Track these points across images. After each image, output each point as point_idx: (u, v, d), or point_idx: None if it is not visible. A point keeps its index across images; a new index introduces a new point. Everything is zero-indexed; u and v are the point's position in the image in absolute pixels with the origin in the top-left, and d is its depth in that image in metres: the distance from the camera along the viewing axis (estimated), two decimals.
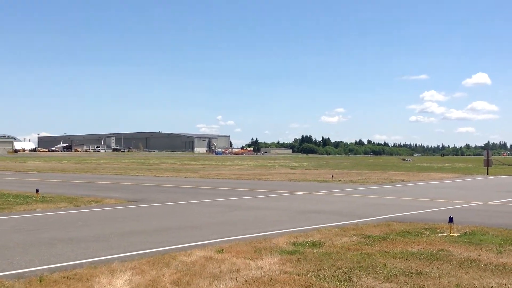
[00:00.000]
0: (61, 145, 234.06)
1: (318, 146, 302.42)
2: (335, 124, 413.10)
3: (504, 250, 9.89)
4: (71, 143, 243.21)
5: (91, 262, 8.70)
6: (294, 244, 10.44)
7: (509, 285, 7.25)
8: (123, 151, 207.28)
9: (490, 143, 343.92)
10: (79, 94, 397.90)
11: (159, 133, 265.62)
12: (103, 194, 22.58)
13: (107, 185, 30.26)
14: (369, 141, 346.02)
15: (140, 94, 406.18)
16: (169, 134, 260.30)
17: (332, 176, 39.19)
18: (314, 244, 10.40)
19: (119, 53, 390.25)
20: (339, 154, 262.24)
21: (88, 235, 11.65)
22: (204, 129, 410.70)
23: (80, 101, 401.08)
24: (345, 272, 7.97)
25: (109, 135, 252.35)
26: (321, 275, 7.77)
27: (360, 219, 14.84)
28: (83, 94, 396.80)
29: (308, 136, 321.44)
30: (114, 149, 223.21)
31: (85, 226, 13.34)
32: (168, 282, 7.34)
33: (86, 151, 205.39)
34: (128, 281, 7.34)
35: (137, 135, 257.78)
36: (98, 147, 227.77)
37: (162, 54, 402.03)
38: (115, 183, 32.00)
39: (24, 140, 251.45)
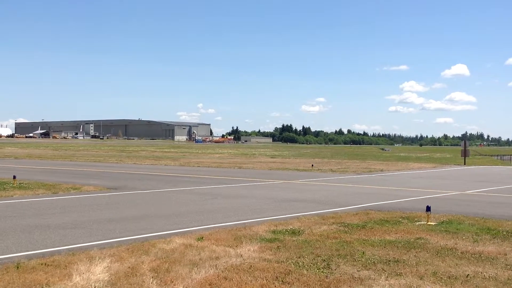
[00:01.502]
0: (39, 131, 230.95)
1: (299, 135, 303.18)
2: (316, 113, 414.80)
3: (480, 239, 10.06)
4: (49, 130, 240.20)
5: (69, 249, 8.64)
6: (273, 232, 10.49)
7: (484, 273, 7.37)
8: (102, 138, 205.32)
9: (468, 134, 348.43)
10: (58, 80, 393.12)
11: (139, 120, 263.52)
12: (82, 181, 22.38)
13: (85, 172, 29.99)
14: (349, 131, 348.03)
15: (119, 81, 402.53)
16: (149, 122, 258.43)
17: (312, 165, 39.38)
18: (293, 232, 10.46)
19: (99, 39, 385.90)
20: (319, 143, 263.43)
21: (66, 222, 11.54)
22: (184, 117, 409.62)
23: (59, 87, 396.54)
24: (324, 260, 8.03)
25: (87, 122, 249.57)
26: (300, 263, 7.82)
27: (339, 207, 14.95)
28: (61, 80, 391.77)
29: (289, 125, 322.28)
30: (93, 136, 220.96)
31: (63, 213, 13.22)
32: (147, 269, 7.32)
33: (64, 137, 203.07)
34: (107, 268, 7.30)
35: (117, 122, 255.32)
36: (76, 134, 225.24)
37: (142, 42, 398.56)
38: (94, 170, 31.73)
39: (1, 126, 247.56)
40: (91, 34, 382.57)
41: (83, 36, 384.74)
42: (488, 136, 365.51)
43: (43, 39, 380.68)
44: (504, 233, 10.72)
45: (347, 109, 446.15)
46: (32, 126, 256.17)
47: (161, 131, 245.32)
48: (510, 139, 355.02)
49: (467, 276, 7.18)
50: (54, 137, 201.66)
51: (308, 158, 58.91)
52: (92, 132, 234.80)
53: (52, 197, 16.84)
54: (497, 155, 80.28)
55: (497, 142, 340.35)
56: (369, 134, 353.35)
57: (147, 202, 16.16)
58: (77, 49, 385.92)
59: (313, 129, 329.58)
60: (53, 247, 8.86)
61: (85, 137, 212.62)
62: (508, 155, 79.16)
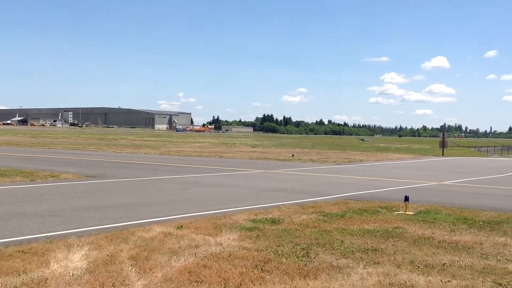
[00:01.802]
0: (16, 118, 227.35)
1: (280, 125, 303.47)
2: (297, 103, 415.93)
3: (457, 228, 10.21)
4: (27, 117, 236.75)
5: (47, 237, 8.55)
6: (253, 221, 10.50)
7: (460, 262, 7.49)
8: (81, 126, 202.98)
9: (446, 125, 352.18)
10: (36, 66, 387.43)
11: (119, 108, 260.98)
12: (60, 169, 22.14)
13: (64, 160, 29.68)
14: (329, 121, 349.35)
15: (99, 69, 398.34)
16: (128, 110, 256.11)
17: (293, 155, 39.50)
18: (273, 221, 10.49)
19: (79, 27, 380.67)
20: (299, 134, 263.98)
21: (44, 210, 11.42)
22: (165, 105, 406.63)
23: (37, 74, 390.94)
24: (303, 249, 8.07)
25: (66, 110, 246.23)
26: (279, 251, 7.85)
27: (319, 197, 15.03)
28: (40, 66, 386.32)
29: (270, 115, 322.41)
30: (72, 124, 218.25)
31: (41, 200, 13.07)
32: (126, 257, 7.29)
33: (42, 125, 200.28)
34: (85, 256, 7.25)
35: (96, 110, 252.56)
36: (55, 121, 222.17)
37: (123, 30, 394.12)
38: (72, 158, 31.42)
39: None
40: (71, 21, 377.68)
41: (62, 23, 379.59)
42: (466, 128, 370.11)
43: (21, 25, 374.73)
44: (481, 223, 10.89)
45: (328, 100, 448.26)
46: (9, 113, 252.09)
47: (141, 119, 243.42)
48: (487, 131, 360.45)
49: (443, 265, 7.28)
50: (32, 125, 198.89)
51: (289, 148, 59.06)
52: (71, 120, 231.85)
53: (29, 184, 16.63)
54: (475, 147, 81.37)
55: (475, 134, 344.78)
56: (349, 125, 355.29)
57: (126, 191, 16.06)
58: (56, 36, 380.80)
59: (294, 119, 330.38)
60: (31, 235, 8.76)
61: (63, 125, 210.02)
62: (485, 146, 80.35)
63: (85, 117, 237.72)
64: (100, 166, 25.21)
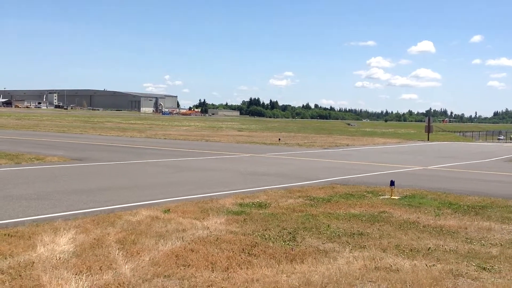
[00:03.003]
0: (0, 100, 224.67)
1: (266, 109, 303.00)
2: (283, 87, 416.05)
3: (442, 213, 10.32)
4: (11, 98, 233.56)
5: (33, 220, 8.50)
6: (240, 205, 10.53)
7: (445, 246, 7.58)
8: (66, 109, 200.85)
9: (432, 110, 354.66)
10: (20, 47, 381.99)
11: (104, 91, 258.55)
12: (46, 152, 21.97)
13: (49, 142, 29.45)
14: (316, 105, 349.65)
15: (85, 51, 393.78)
16: (114, 93, 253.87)
17: (279, 139, 39.56)
18: (260, 205, 10.52)
19: (64, 8, 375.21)
20: (286, 118, 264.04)
21: (29, 193, 11.34)
22: (151, 88, 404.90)
23: (21, 55, 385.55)
24: (290, 233, 8.12)
25: (51, 91, 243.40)
26: (266, 235, 7.89)
27: (306, 181, 15.09)
28: (24, 48, 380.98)
29: (256, 98, 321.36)
30: (57, 106, 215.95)
31: (26, 183, 12.97)
32: (113, 241, 7.28)
33: (27, 107, 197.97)
34: (72, 239, 7.23)
35: (81, 92, 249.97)
36: (39, 103, 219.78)
37: (109, 11, 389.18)
38: (58, 140, 31.18)
39: None
40: (56, 2, 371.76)
41: (48, 3, 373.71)
42: (451, 112, 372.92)
43: (5, 6, 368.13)
44: (465, 207, 11.02)
45: (314, 84, 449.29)
46: None
47: (127, 102, 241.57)
48: (472, 116, 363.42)
49: (428, 249, 7.37)
50: (17, 106, 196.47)
51: (275, 132, 59.13)
52: (55, 102, 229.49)
53: (15, 167, 16.49)
54: (460, 132, 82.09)
55: (460, 118, 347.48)
56: (335, 109, 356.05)
57: (113, 174, 16.00)
58: (41, 17, 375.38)
59: (280, 103, 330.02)
60: (17, 218, 8.70)
61: (48, 107, 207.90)
62: (470, 131, 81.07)
63: (70, 99, 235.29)
64: (86, 149, 25.06)
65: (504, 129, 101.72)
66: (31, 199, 10.66)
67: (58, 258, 6.36)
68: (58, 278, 5.61)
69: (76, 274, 5.77)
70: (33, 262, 6.17)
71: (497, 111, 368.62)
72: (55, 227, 7.91)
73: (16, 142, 29.03)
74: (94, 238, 7.37)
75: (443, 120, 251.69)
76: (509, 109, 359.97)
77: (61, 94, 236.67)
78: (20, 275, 5.70)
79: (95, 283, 5.55)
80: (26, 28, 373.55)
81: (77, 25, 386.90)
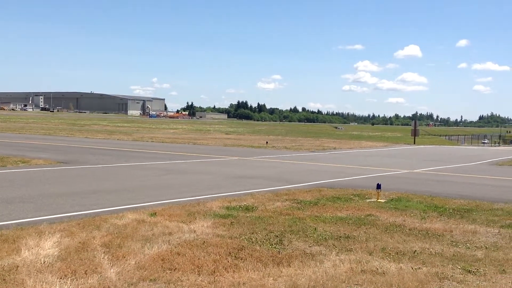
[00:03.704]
0: None
1: (254, 112, 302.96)
2: (271, 90, 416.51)
3: (427, 216, 10.37)
4: None
5: (17, 224, 8.41)
6: (227, 208, 10.51)
7: (431, 249, 7.62)
8: (52, 111, 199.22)
9: (418, 114, 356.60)
10: (6, 49, 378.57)
11: (91, 93, 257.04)
12: (31, 155, 21.78)
13: (35, 145, 29.20)
14: (303, 109, 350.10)
15: (71, 53, 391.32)
16: (101, 95, 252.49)
17: (267, 142, 39.58)
18: (247, 208, 10.51)
19: (51, 9, 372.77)
20: (274, 121, 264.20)
21: (14, 196, 11.23)
22: (138, 91, 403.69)
23: (7, 57, 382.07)
24: (277, 236, 8.12)
25: (37, 94, 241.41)
26: (253, 239, 7.88)
27: (293, 184, 15.11)
28: (10, 49, 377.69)
29: (244, 101, 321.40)
30: (43, 109, 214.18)
31: (11, 186, 12.84)
32: (98, 244, 7.22)
33: (12, 109, 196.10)
34: (57, 243, 7.16)
35: (68, 95, 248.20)
36: (25, 105, 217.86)
37: (96, 13, 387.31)
38: (44, 143, 30.92)
39: None
40: (43, 4, 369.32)
41: (34, 5, 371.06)
42: (437, 116, 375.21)
43: None
44: (451, 210, 11.09)
45: (302, 87, 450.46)
46: None
47: (114, 105, 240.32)
48: (458, 120, 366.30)
49: (414, 252, 7.40)
50: (2, 109, 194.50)
51: (263, 135, 59.16)
52: (42, 105, 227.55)
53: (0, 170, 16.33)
54: (446, 135, 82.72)
55: (446, 122, 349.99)
56: (323, 113, 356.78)
57: (99, 177, 15.90)
58: (27, 19, 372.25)
59: (268, 106, 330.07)
60: (1, 222, 8.61)
61: (34, 109, 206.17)
62: (456, 135, 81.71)
63: (57, 101, 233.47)
64: (72, 152, 24.88)
65: (489, 133, 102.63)
66: (15, 202, 10.56)
67: (42, 262, 6.29)
68: (43, 282, 5.56)
69: (60, 278, 5.72)
70: (18, 266, 6.10)
71: (482, 115, 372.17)
72: (40, 230, 7.84)
73: (1, 144, 28.74)
74: (80, 242, 7.31)
75: (429, 124, 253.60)
76: (494, 113, 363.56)
77: (47, 96, 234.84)
78: (4, 279, 5.64)
79: (80, 287, 5.50)
80: (11, 30, 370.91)
81: (64, 26, 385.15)
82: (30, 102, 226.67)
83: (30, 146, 28.49)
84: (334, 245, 7.65)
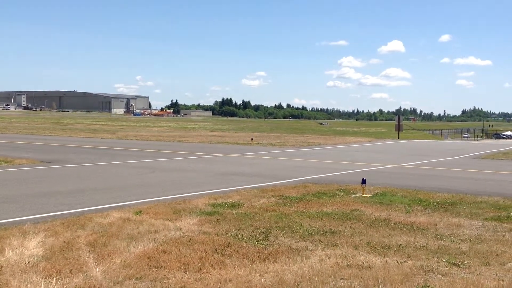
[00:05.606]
0: None
1: (239, 109, 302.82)
2: (256, 87, 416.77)
3: (412, 210, 10.45)
4: None
5: (1, 224, 8.31)
6: (213, 205, 10.49)
7: (416, 243, 7.68)
8: (35, 110, 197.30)
9: (402, 109, 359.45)
10: None
11: (74, 92, 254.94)
12: (14, 154, 21.55)
13: (18, 144, 28.89)
14: (288, 105, 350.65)
15: (54, 51, 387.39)
16: (84, 94, 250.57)
17: (252, 139, 39.57)
18: (233, 205, 10.50)
19: (32, 7, 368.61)
20: (259, 118, 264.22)
21: None
22: (122, 89, 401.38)
23: None
24: (263, 232, 8.12)
25: (19, 93, 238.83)
26: (239, 235, 7.88)
27: (279, 180, 15.13)
28: None
29: (229, 99, 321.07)
30: (25, 108, 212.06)
31: None
32: (83, 243, 7.17)
33: None
34: (41, 243, 7.10)
35: (50, 94, 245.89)
36: (7, 105, 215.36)
37: (78, 10, 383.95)
38: (26, 143, 30.61)
39: None
40: (23, 2, 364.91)
41: (15, 4, 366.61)
42: (421, 111, 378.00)
43: None
44: (435, 204, 11.19)
45: (287, 84, 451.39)
46: None
47: (97, 103, 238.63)
48: (441, 114, 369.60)
49: (399, 246, 7.45)
50: None
51: (248, 132, 59.15)
52: (24, 104, 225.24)
53: None
54: (429, 130, 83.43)
55: (429, 117, 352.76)
56: (308, 109, 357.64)
57: (83, 176, 15.78)
58: (9, 17, 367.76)
59: (253, 103, 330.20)
60: None
61: (16, 109, 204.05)
62: (439, 129, 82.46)
63: (39, 100, 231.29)
64: (56, 151, 24.66)
65: (472, 127, 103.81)
66: None
67: (27, 262, 6.23)
68: (28, 282, 5.50)
69: (45, 278, 5.67)
70: (1, 267, 6.04)
71: (465, 109, 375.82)
72: (24, 230, 7.76)
73: None
74: (64, 241, 7.25)
75: (412, 119, 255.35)
76: (477, 107, 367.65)
77: (30, 95, 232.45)
78: None
79: (65, 286, 5.46)
80: None
81: (46, 25, 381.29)
82: (12, 101, 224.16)
83: (12, 145, 28.19)
84: (320, 240, 7.68)
